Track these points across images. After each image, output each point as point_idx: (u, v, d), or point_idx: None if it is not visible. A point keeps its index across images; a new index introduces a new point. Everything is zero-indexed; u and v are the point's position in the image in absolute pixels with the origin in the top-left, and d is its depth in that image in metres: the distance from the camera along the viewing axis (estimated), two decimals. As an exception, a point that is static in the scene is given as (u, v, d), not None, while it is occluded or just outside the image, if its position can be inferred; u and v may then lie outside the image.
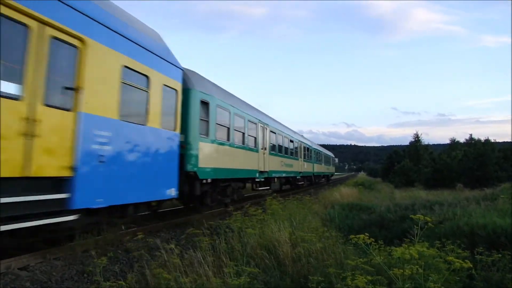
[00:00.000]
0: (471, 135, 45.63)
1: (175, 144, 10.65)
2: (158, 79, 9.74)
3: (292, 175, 27.68)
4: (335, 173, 78.74)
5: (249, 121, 17.52)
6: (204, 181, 12.90)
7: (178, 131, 10.87)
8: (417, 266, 3.72)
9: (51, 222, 6.65)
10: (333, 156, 62.79)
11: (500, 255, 5.87)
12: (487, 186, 26.33)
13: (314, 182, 40.29)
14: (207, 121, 13.08)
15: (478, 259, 5.78)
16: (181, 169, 11.40)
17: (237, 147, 15.80)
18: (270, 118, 23.23)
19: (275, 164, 22.33)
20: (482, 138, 41.66)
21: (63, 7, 6.74)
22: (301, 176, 31.34)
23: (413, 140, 56.16)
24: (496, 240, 7.95)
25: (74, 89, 7.07)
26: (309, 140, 38.91)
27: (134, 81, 8.79)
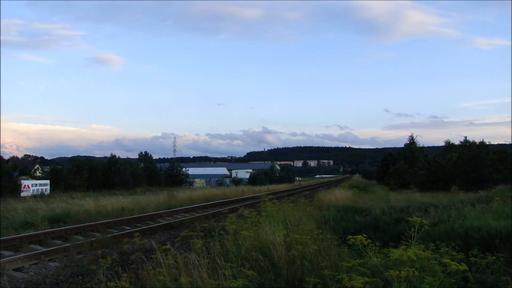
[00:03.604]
0: (465, 137, 45.55)
1: None
2: None
3: None
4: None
5: None
6: None
7: None
8: (413, 269, 3.72)
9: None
10: None
11: (494, 258, 5.88)
12: (481, 189, 26.39)
13: None
14: None
15: (472, 261, 5.79)
16: None
17: None
18: None
19: None
20: (477, 140, 41.67)
21: None
22: None
23: (408, 142, 56.30)
24: (490, 242, 7.97)
25: None
26: None
27: None
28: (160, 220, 15.33)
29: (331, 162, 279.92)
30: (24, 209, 17.19)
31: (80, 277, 7.08)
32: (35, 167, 49.47)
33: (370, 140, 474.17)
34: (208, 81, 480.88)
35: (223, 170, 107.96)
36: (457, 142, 49.78)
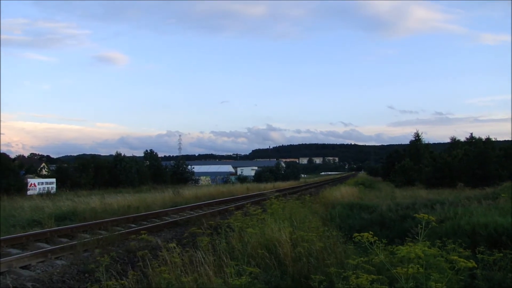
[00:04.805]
0: (471, 133, 45.34)
1: None
2: None
3: None
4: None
5: None
6: None
7: None
8: (418, 266, 3.69)
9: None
10: None
11: (501, 254, 5.85)
12: (488, 185, 26.24)
13: None
14: None
15: (479, 258, 5.76)
16: None
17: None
18: None
19: None
20: (483, 137, 41.44)
21: None
22: None
23: (414, 139, 56.15)
24: (497, 239, 7.94)
25: None
26: None
27: None
28: (166, 218, 15.35)
29: (336, 159, 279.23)
30: (31, 207, 17.29)
31: (86, 275, 7.10)
32: (41, 166, 49.70)
33: (375, 137, 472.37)
34: (212, 79, 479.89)
35: (228, 168, 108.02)
36: (462, 139, 49.60)
